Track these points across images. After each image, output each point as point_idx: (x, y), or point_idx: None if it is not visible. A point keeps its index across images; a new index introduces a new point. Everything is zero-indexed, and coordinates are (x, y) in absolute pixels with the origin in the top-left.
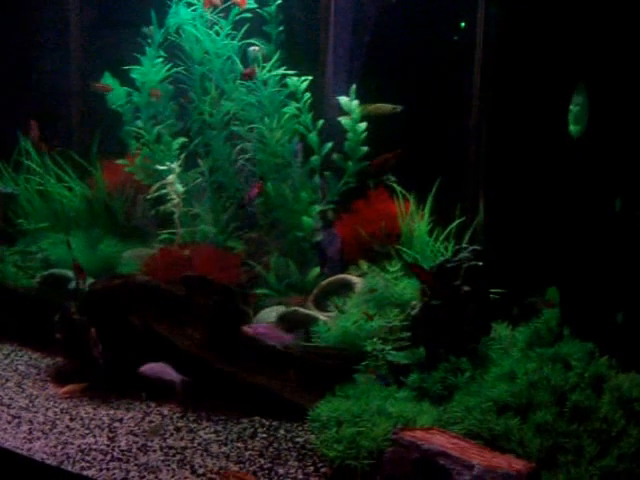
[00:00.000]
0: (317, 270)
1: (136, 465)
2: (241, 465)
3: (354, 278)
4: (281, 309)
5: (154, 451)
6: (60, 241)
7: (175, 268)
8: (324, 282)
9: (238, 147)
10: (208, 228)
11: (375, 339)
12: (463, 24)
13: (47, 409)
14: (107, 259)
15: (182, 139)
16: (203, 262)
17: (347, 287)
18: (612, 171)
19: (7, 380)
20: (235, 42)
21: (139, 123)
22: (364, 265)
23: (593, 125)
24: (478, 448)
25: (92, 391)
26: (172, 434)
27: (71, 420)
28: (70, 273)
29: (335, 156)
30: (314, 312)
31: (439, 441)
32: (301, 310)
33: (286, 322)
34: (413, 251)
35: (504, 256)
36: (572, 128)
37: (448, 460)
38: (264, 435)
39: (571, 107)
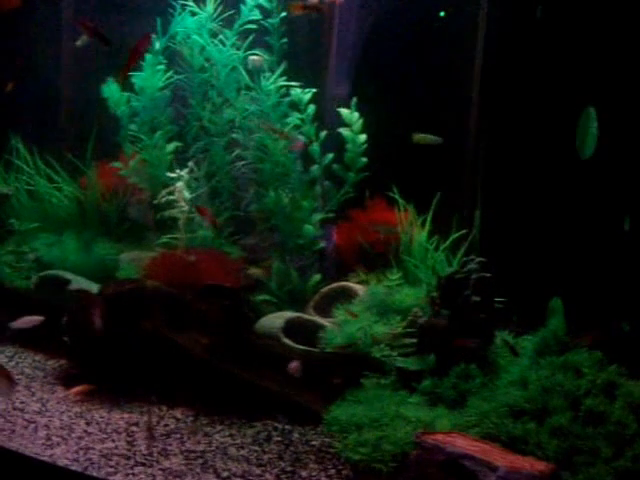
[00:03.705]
0: (318, 277)
1: (161, 470)
2: (263, 468)
3: (355, 285)
4: (284, 315)
5: (175, 455)
6: (52, 242)
7: (176, 272)
8: (325, 289)
9: (234, 153)
10: (207, 233)
11: (382, 345)
12: (442, 13)
13: (61, 413)
14: (104, 262)
15: (176, 143)
16: (205, 267)
17: (348, 294)
18: (612, 184)
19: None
20: (240, 52)
21: (133, 127)
22: (362, 273)
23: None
24: (499, 450)
25: (102, 394)
26: (189, 437)
27: (87, 424)
28: (67, 274)
29: (335, 167)
30: (317, 318)
31: (461, 444)
32: (305, 316)
33: (292, 328)
34: (413, 259)
35: (501, 266)
36: (580, 147)
37: (472, 462)
38: (279, 438)
39: (579, 126)
